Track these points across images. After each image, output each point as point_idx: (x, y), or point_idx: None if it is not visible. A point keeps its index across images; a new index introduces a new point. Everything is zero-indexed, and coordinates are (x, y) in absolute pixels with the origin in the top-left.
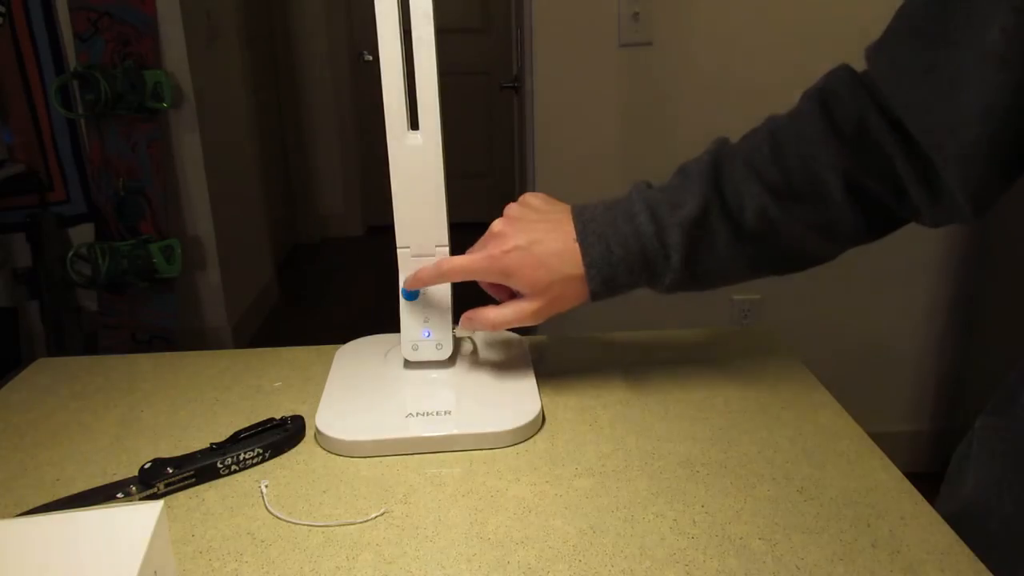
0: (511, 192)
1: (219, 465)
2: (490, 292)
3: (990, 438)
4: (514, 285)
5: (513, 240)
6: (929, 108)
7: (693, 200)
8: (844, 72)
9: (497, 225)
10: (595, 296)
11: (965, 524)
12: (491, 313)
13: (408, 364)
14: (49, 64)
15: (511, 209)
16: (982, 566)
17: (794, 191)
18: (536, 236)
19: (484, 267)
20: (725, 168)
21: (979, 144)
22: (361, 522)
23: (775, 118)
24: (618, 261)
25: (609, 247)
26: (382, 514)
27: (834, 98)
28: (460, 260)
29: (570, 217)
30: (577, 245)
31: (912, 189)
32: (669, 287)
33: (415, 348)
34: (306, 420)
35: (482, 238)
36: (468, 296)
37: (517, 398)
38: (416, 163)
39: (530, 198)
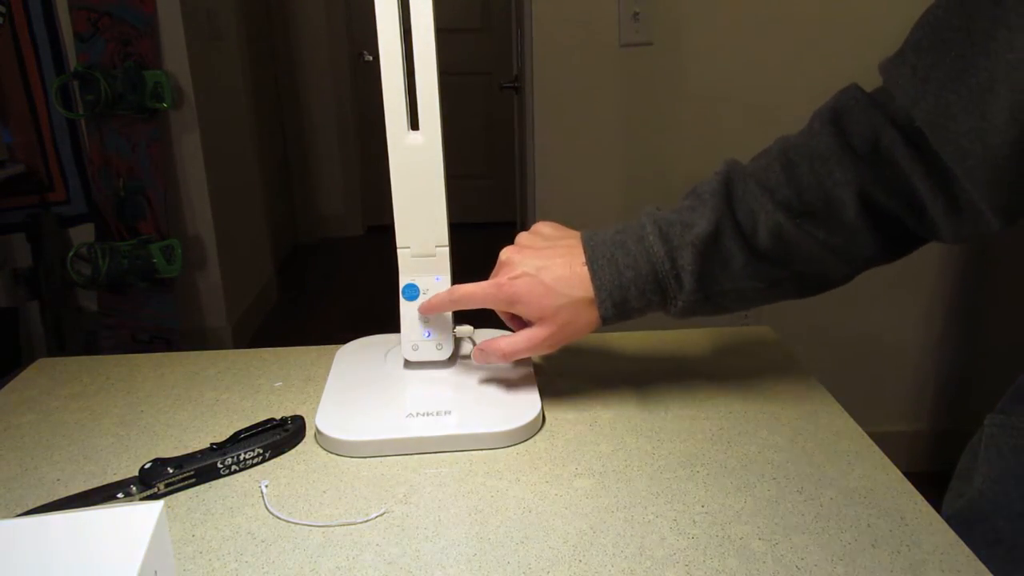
0: (511, 192)
1: (219, 465)
2: (508, 324)
3: (999, 436)
4: (523, 312)
5: (521, 266)
6: (955, 117)
7: (705, 220)
8: (855, 91)
9: (506, 253)
10: (606, 320)
11: (973, 521)
12: (503, 343)
13: (408, 364)
14: (49, 64)
15: (521, 237)
16: (982, 566)
17: (808, 209)
18: (544, 262)
19: (492, 294)
20: (737, 187)
21: (1009, 151)
22: (361, 522)
23: (785, 138)
24: (628, 284)
25: (619, 270)
26: (382, 514)
27: (846, 116)
28: (469, 287)
29: (580, 243)
30: (586, 270)
31: (930, 204)
32: (682, 310)
33: (415, 348)
34: (306, 420)
35: (495, 267)
36: None
37: (517, 398)
38: (416, 163)
39: (541, 226)
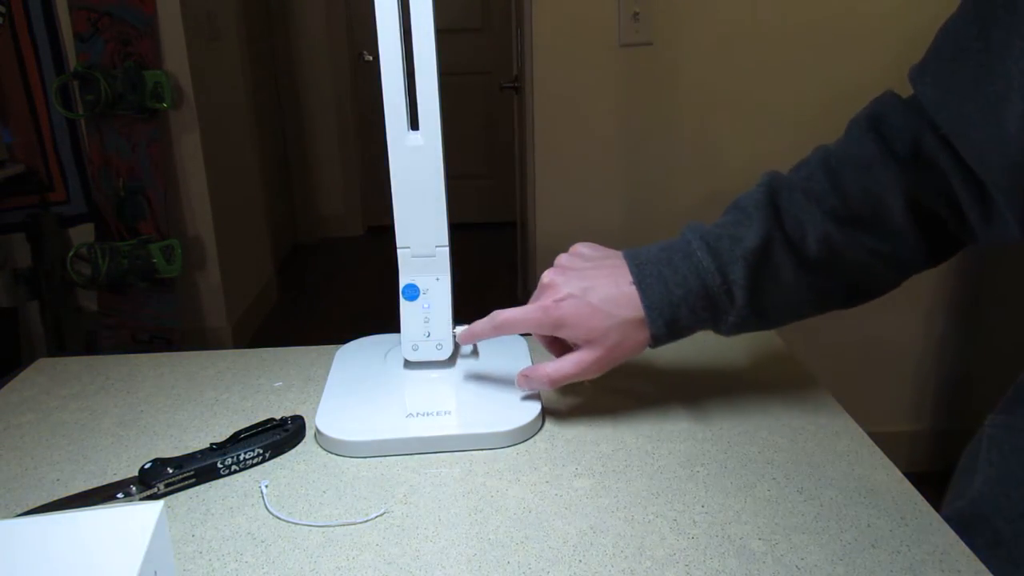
0: (511, 192)
1: (219, 465)
2: (547, 349)
3: (999, 436)
4: (569, 336)
5: (565, 288)
6: (974, 125)
7: (753, 232)
8: (891, 97)
9: (547, 275)
10: (656, 340)
11: (973, 521)
12: (549, 368)
13: (408, 364)
14: (49, 64)
15: (561, 259)
16: (982, 566)
17: (855, 216)
18: (589, 283)
19: (537, 318)
20: (782, 198)
21: (1022, 159)
22: (361, 522)
23: (824, 147)
24: (679, 301)
25: (668, 287)
26: (382, 514)
27: (886, 122)
28: (512, 312)
29: (623, 261)
30: (634, 289)
31: (967, 209)
32: (732, 326)
33: (415, 348)
34: (306, 420)
35: (536, 291)
36: (469, 295)
37: (517, 398)
38: (416, 163)
39: (580, 247)
